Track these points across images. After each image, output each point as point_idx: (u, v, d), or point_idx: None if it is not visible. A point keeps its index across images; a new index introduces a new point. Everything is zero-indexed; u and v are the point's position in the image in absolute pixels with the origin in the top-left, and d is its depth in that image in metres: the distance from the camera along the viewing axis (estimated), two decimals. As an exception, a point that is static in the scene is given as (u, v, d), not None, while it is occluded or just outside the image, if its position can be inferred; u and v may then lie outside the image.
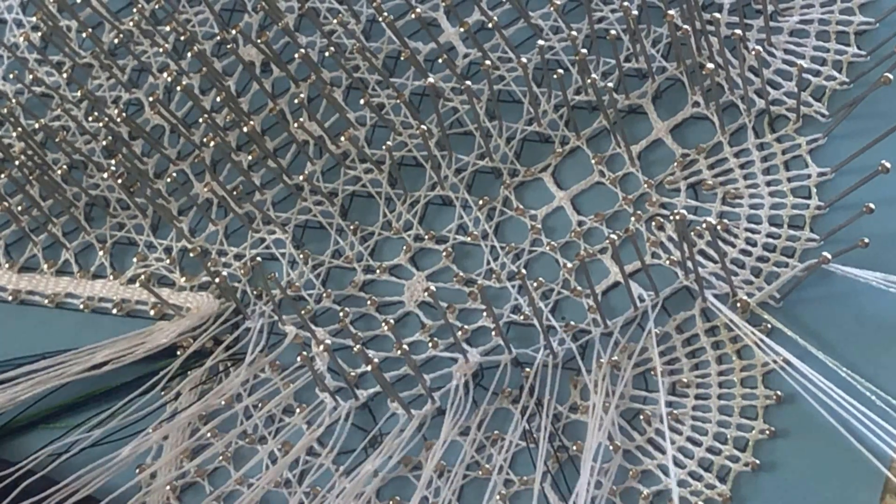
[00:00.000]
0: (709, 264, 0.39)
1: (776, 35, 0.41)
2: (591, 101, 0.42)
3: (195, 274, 0.44)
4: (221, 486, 0.40)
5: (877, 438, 0.35)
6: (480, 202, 0.42)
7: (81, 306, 0.45)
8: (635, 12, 0.41)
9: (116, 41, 0.47)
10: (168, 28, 0.46)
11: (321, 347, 0.39)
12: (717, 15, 0.39)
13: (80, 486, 0.40)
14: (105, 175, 0.44)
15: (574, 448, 0.38)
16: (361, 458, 0.39)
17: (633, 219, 0.40)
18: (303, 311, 0.41)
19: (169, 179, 0.45)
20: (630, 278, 0.39)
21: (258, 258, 0.41)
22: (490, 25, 0.42)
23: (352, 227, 0.43)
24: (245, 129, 0.43)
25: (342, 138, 0.43)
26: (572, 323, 0.40)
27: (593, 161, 0.42)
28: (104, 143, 0.45)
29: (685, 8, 0.40)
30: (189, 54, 0.46)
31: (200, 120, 0.44)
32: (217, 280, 0.41)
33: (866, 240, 0.37)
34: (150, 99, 0.46)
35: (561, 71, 0.40)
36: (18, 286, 0.46)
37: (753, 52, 0.38)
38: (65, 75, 0.47)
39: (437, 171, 0.42)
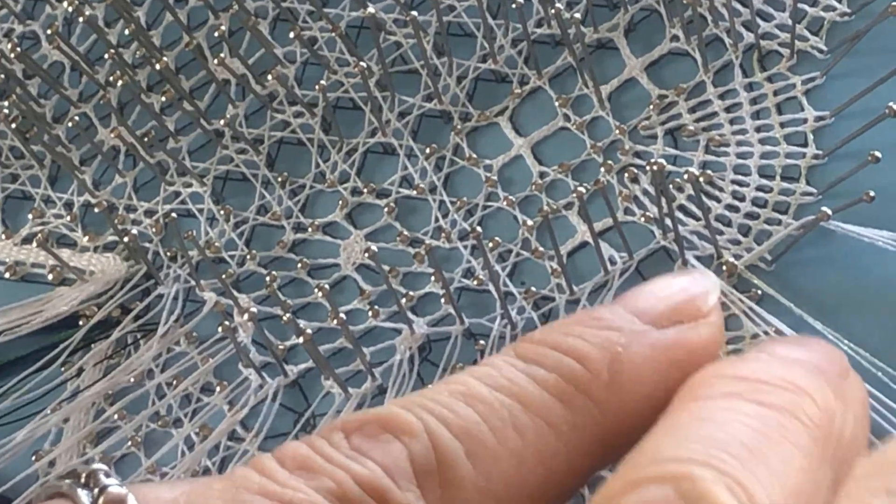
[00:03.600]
0: (690, 222, 0.36)
1: (766, -41, 0.39)
2: (555, 35, 0.40)
3: (100, 233, 0.42)
4: (131, 476, 0.38)
5: (883, 421, 0.33)
6: (427, 151, 0.40)
7: (-32, 270, 0.42)
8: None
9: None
10: (68, -49, 0.43)
11: (245, 316, 0.36)
12: (700, -65, 0.37)
13: (-35, 476, 0.38)
14: (-5, 119, 0.42)
15: None
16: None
17: (602, 169, 0.38)
18: (223, 275, 0.38)
19: (70, 124, 0.42)
20: (599, 237, 0.36)
21: (172, 214, 0.39)
22: (438, -53, 0.40)
23: (280, 179, 0.40)
24: (157, 67, 0.40)
25: (269, 77, 0.41)
26: (533, 289, 0.37)
27: (557, 103, 0.39)
28: (-6, 82, 0.43)
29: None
30: (92, -20, 0.43)
31: (106, 56, 0.42)
32: (125, 239, 0.39)
33: (871, 193, 0.34)
34: (48, 32, 0.44)
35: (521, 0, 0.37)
36: None
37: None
38: (-51, 5, 0.44)
39: (377, 116, 0.40)
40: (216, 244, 0.40)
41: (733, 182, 0.37)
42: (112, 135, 0.42)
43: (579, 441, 0.23)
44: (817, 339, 0.24)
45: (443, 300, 0.37)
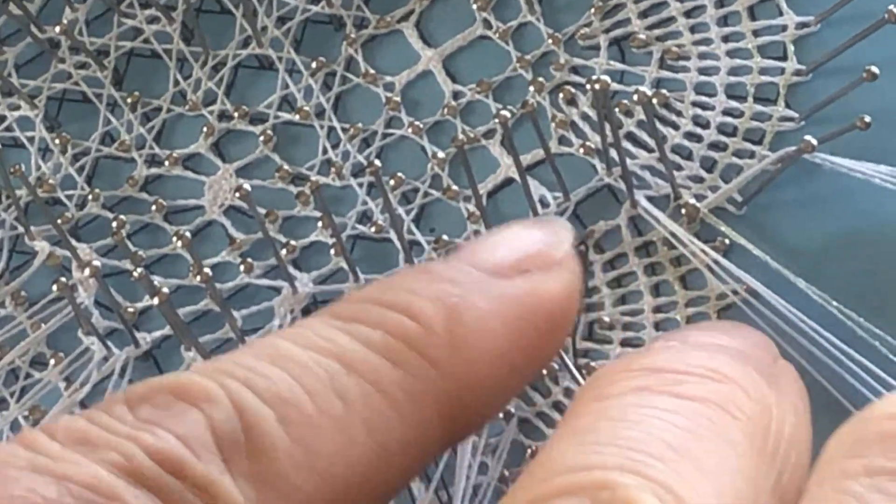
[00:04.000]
0: (640, 153, 0.34)
1: None
2: (471, -79, 0.37)
3: None
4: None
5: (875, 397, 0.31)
6: (314, 65, 0.37)
7: None
8: None
9: None
10: None
11: (86, 272, 0.34)
12: None
13: None
14: None
15: None
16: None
17: (532, 88, 0.35)
18: (59, 220, 0.36)
19: None
20: (528, 173, 0.34)
21: (-6, 144, 0.37)
22: None
23: (129, 101, 0.38)
24: (-28, -42, 0.37)
25: (116, -28, 0.38)
26: (445, 237, 0.35)
27: (475, 6, 0.37)
28: None
29: None
30: None
31: None
32: (-70, 175, 0.36)
33: (867, 118, 0.32)
34: None
35: None
36: None
37: None
38: None
39: (251, 21, 0.37)
40: (50, 181, 0.37)
41: (694, 104, 0.35)
42: (-84, 43, 0.39)
43: (418, 410, 0.22)
44: (739, 324, 0.24)
45: (332, 251, 0.35)
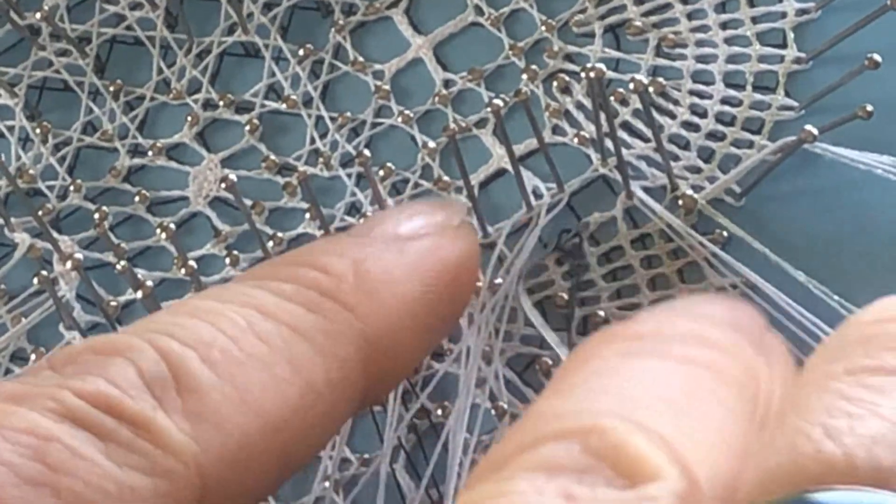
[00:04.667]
0: (636, 143, 0.34)
1: None
2: None
3: None
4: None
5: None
6: (301, 53, 0.37)
7: None
8: None
9: None
10: None
11: (68, 264, 0.34)
12: None
13: None
14: None
15: (439, 413, 0.33)
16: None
17: (525, 77, 0.35)
18: (40, 212, 0.35)
19: None
20: (521, 163, 0.34)
21: (-28, 133, 0.36)
22: None
23: (112, 89, 0.37)
24: (-52, -58, 0.37)
25: (97, -44, 0.38)
26: None
27: None
28: None
29: None
30: None
31: None
32: None
33: (869, 108, 0.32)
34: None
35: None
36: None
37: None
38: None
39: (236, 7, 0.37)
40: (30, 171, 0.37)
41: (692, 93, 0.35)
42: None
43: (338, 348, 0.24)
44: (725, 297, 0.24)
45: None
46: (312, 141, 0.35)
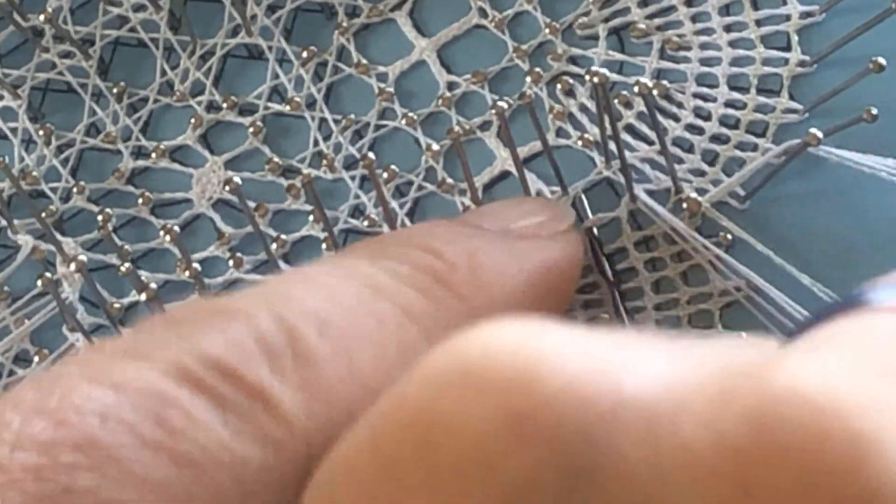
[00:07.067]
0: (640, 146, 0.34)
1: None
2: None
3: None
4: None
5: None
6: (305, 55, 0.36)
7: None
8: None
9: None
10: None
11: (71, 266, 0.34)
12: None
13: None
14: None
15: None
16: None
17: (529, 79, 0.35)
18: (43, 214, 0.36)
19: None
20: (525, 166, 0.34)
21: (-25, 135, 0.36)
22: None
23: (115, 91, 0.37)
24: (-48, -56, 0.37)
25: (100, -41, 0.37)
26: None
27: None
28: None
29: None
30: None
31: None
32: (-89, 166, 0.36)
33: (874, 111, 0.31)
34: None
35: None
36: None
37: None
38: None
39: (240, 9, 0.37)
40: (34, 173, 0.37)
41: (696, 96, 0.34)
42: None
43: (445, 338, 0.24)
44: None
45: (324, 245, 0.35)
46: (316, 143, 0.35)
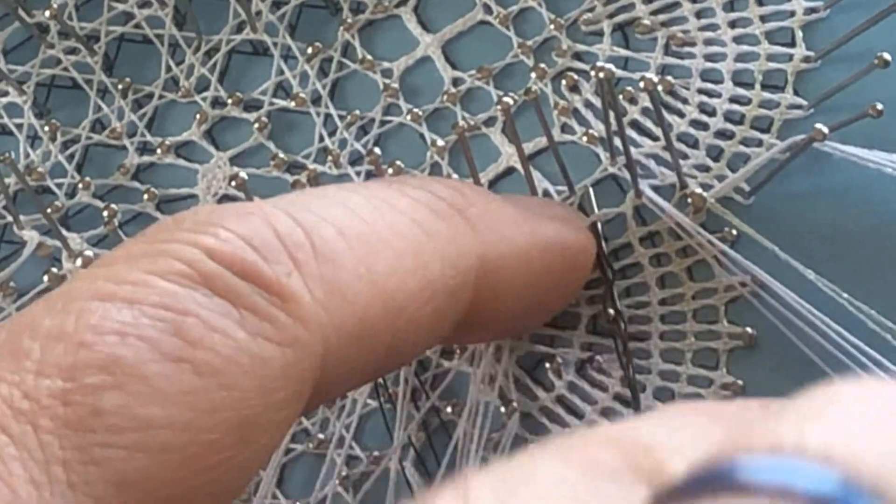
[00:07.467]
0: (645, 142, 0.34)
1: None
2: None
3: None
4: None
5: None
6: (310, 51, 0.36)
7: None
8: None
9: None
10: None
11: (77, 262, 0.34)
12: None
13: None
14: None
15: (449, 410, 0.33)
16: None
17: (534, 75, 0.35)
18: (49, 209, 0.36)
19: None
20: (530, 162, 0.33)
21: (-19, 131, 0.36)
22: None
23: (121, 87, 0.37)
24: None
25: (105, -45, 0.37)
26: None
27: None
28: None
29: None
30: None
31: None
32: (-80, 164, 0.36)
33: (879, 106, 0.31)
34: None
35: None
36: None
37: None
38: None
39: (245, 5, 0.36)
40: (39, 169, 0.37)
41: (701, 91, 0.34)
42: None
43: (459, 261, 0.24)
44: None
45: None
46: (321, 139, 0.35)
